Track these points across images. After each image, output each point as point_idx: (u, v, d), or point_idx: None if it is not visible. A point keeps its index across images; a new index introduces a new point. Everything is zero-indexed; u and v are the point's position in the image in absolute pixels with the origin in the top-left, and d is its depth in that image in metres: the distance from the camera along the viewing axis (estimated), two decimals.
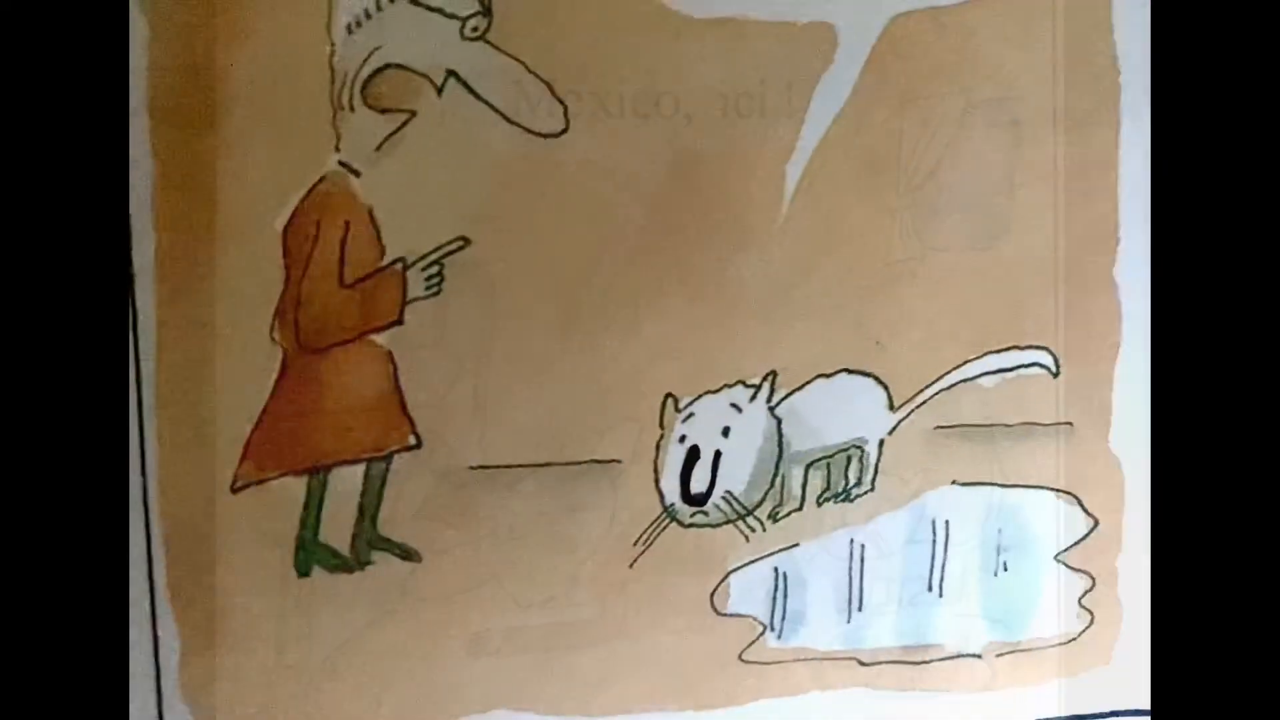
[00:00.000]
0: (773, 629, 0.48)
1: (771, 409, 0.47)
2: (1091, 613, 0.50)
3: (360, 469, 0.46)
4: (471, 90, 0.45)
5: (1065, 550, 0.50)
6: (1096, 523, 0.50)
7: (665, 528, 0.47)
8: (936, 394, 0.48)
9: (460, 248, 0.45)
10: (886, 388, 0.48)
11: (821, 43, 0.46)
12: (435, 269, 0.45)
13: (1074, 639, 0.50)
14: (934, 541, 0.49)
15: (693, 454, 0.47)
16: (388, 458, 0.46)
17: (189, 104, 0.44)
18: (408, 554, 0.46)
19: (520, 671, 0.47)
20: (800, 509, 0.48)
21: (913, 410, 0.48)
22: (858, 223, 0.47)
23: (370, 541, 0.46)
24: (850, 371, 0.48)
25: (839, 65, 0.46)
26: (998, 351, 0.48)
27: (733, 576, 0.48)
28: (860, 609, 0.48)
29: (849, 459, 0.48)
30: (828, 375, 0.47)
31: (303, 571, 0.46)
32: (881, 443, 0.48)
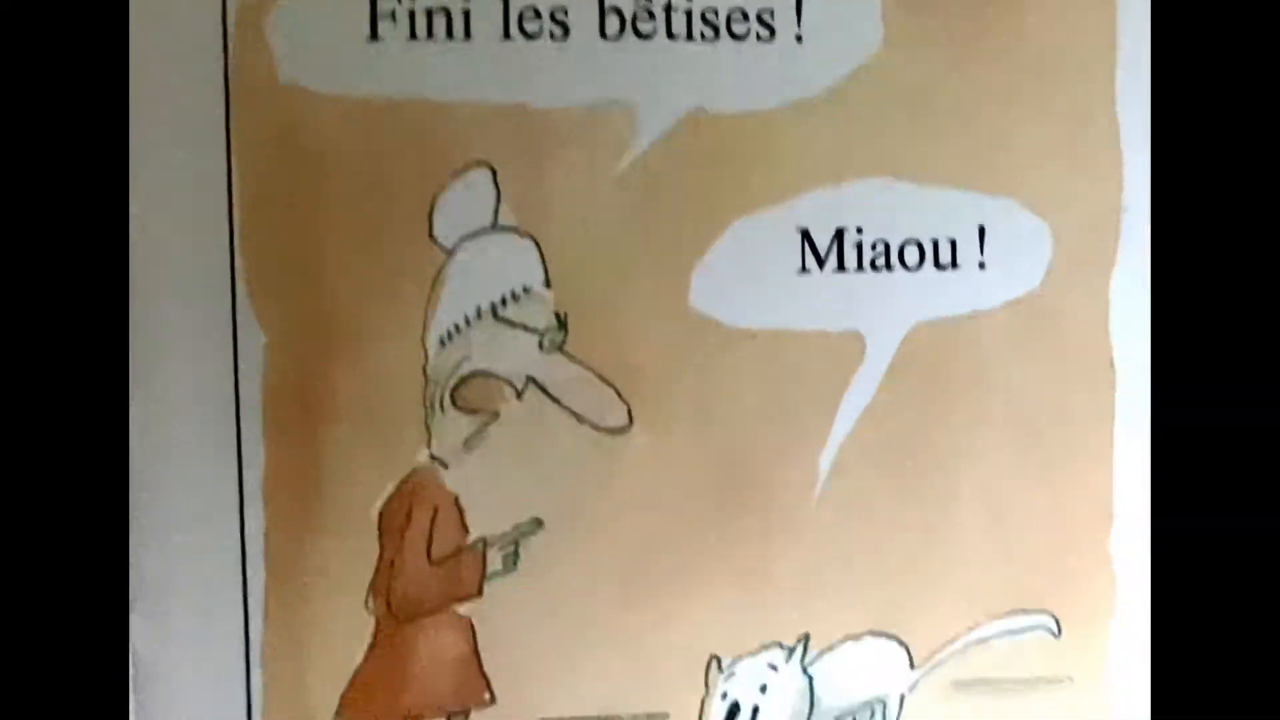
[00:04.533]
0: None
1: (804, 668, 0.53)
2: None
3: None
4: (548, 394, 0.51)
5: None
6: None
7: None
8: (952, 654, 0.54)
9: (534, 529, 0.51)
10: (908, 649, 0.54)
11: (851, 347, 0.53)
12: (512, 548, 0.51)
13: None
14: None
15: (733, 709, 0.53)
16: (466, 713, 0.52)
17: (300, 407, 0.50)
18: None
19: None
20: None
21: (931, 669, 0.54)
22: (882, 506, 0.53)
23: None
24: (875, 634, 0.53)
25: (866, 366, 0.53)
26: (1005, 616, 0.54)
27: None
28: None
29: (873, 713, 0.54)
30: (855, 638, 0.53)
31: None
32: (902, 698, 0.54)
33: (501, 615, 0.51)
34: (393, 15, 0.50)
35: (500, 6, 0.50)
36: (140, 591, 0.50)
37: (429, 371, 0.50)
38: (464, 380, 0.51)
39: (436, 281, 0.50)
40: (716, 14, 0.51)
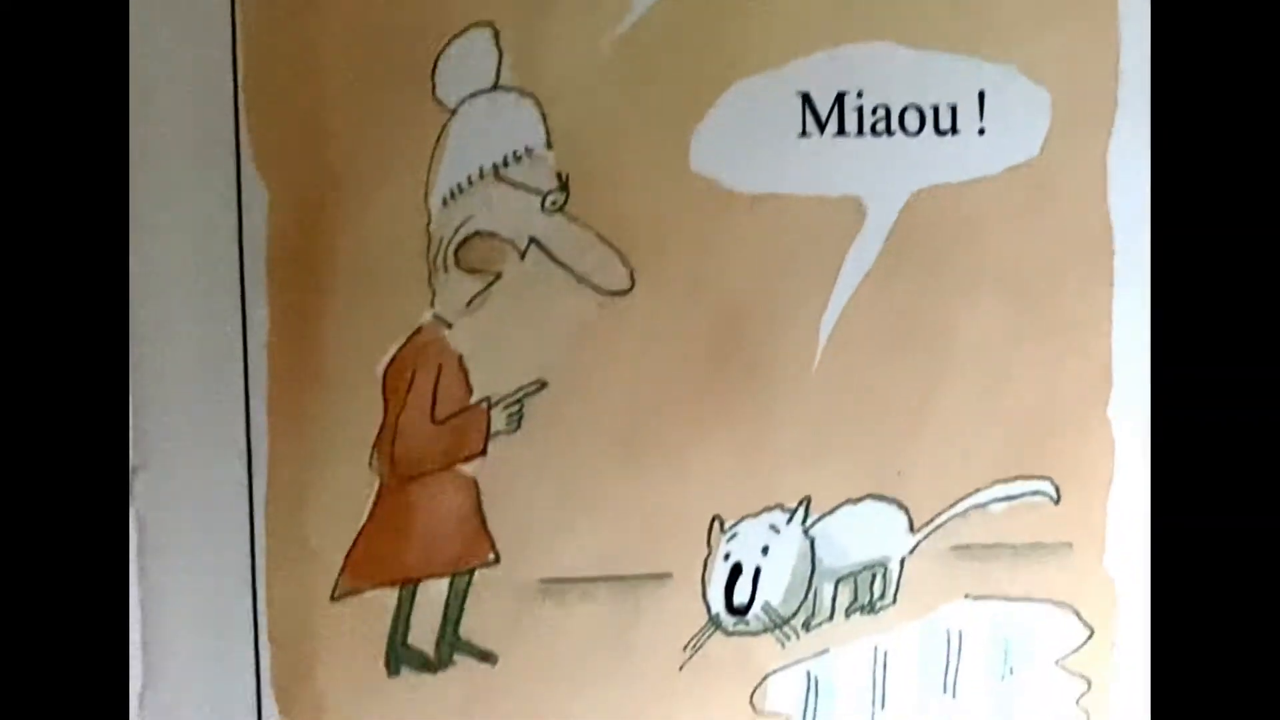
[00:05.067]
0: None
1: (805, 530, 0.54)
2: (1088, 712, 0.56)
3: (445, 582, 0.52)
4: (550, 255, 0.51)
5: (1064, 656, 0.56)
6: (1092, 632, 0.56)
7: (711, 635, 0.53)
8: (951, 518, 0.54)
9: (538, 389, 0.52)
10: (907, 512, 0.54)
11: (851, 213, 0.53)
12: (516, 407, 0.52)
13: None
14: (948, 649, 0.55)
15: (736, 570, 0.53)
16: (470, 572, 0.52)
17: (303, 265, 0.51)
18: (485, 656, 0.52)
19: None
20: (830, 619, 0.54)
21: (930, 532, 0.54)
22: (882, 371, 0.53)
23: (453, 645, 0.52)
24: (875, 498, 0.54)
25: (866, 232, 0.53)
26: (1005, 481, 0.54)
27: (770, 679, 0.54)
28: (883, 708, 0.55)
29: (874, 575, 0.54)
30: (855, 501, 0.54)
31: (393, 671, 0.52)
32: (903, 561, 0.54)
33: (505, 475, 0.52)
34: None
35: None
36: (143, 451, 0.50)
37: (432, 231, 0.51)
38: (467, 240, 0.51)
39: (439, 141, 0.51)
40: None
